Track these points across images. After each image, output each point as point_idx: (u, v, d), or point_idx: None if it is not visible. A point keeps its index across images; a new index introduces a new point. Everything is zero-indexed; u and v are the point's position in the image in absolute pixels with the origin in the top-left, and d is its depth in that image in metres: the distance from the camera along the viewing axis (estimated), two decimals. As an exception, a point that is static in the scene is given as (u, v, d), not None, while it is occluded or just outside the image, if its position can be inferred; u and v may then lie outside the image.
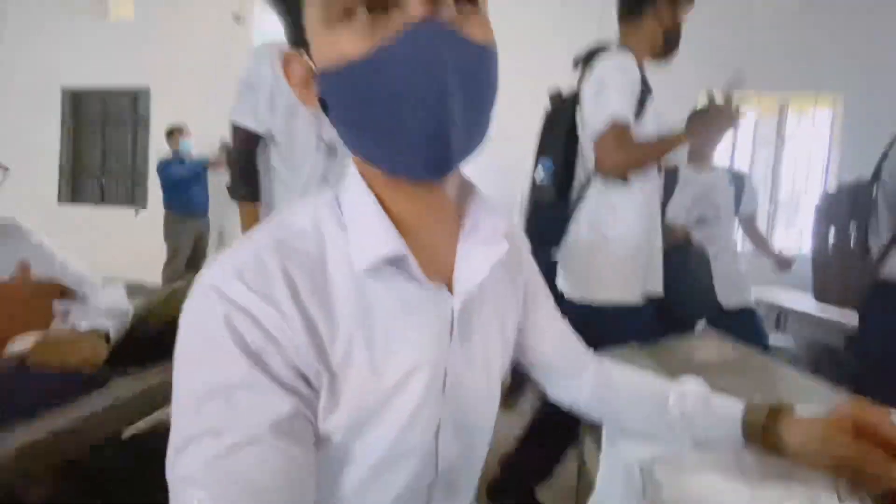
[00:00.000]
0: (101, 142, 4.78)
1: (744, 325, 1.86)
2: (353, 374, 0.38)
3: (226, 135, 3.97)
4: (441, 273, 0.43)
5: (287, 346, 0.35)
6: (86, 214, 4.67)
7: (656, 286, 1.28)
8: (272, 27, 4.19)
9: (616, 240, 1.23)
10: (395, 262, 0.39)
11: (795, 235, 3.76)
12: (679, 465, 0.53)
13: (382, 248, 0.38)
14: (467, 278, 0.43)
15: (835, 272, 1.58)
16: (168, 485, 0.31)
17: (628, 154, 1.17)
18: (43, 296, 0.60)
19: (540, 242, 1.26)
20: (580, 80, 1.25)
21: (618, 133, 1.13)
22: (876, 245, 1.42)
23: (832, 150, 3.62)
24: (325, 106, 0.37)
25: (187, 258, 3.62)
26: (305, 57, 0.38)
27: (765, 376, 0.77)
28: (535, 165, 1.35)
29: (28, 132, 4.67)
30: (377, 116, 0.34)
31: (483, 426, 0.49)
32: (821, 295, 1.67)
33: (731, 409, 0.52)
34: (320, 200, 0.42)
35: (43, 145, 4.70)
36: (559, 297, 1.34)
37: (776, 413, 0.49)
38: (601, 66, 1.17)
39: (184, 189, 3.54)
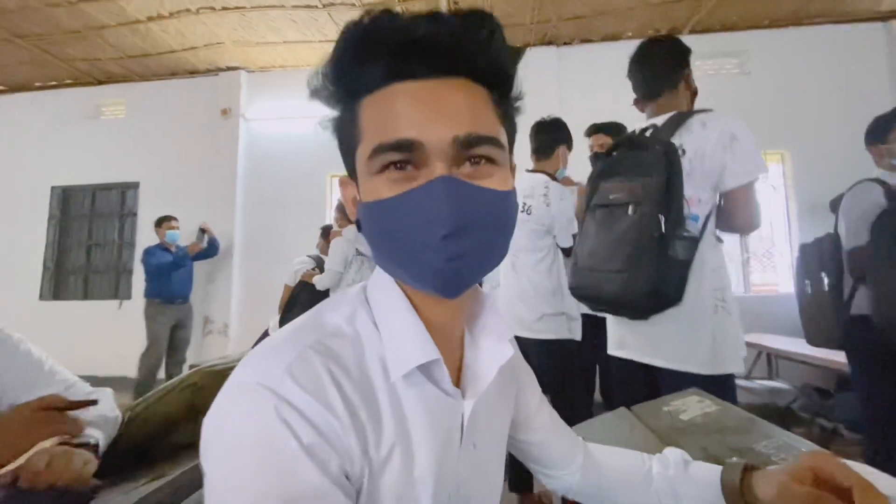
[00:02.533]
0: (87, 238, 4.84)
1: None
2: (389, 480, 0.39)
3: (205, 220, 4.08)
4: (451, 376, 0.45)
5: (339, 448, 0.36)
6: (69, 310, 4.60)
7: None
8: (257, 121, 4.53)
9: (731, 303, 1.19)
10: (426, 369, 0.43)
11: (770, 278, 3.91)
12: None
13: (419, 356, 0.41)
14: (477, 382, 0.47)
15: (817, 318, 1.71)
16: None
17: (759, 211, 1.20)
18: (45, 413, 0.61)
19: (659, 301, 1.17)
20: (670, 134, 1.22)
21: (754, 189, 1.17)
22: (847, 289, 1.57)
23: (789, 199, 3.87)
24: (359, 227, 0.44)
25: (166, 348, 3.59)
26: (355, 186, 0.44)
27: (747, 434, 0.79)
28: (657, 213, 1.15)
29: (16, 232, 4.73)
30: (398, 245, 0.40)
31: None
32: (811, 339, 1.79)
33: (709, 473, 0.54)
34: (352, 296, 0.46)
35: (31, 243, 4.73)
36: (653, 370, 1.24)
37: (750, 470, 0.52)
38: (725, 122, 1.17)
39: (166, 276, 3.59)
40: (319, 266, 3.08)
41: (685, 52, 1.29)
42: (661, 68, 1.30)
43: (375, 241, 0.42)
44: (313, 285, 2.81)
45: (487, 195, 0.40)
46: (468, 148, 0.39)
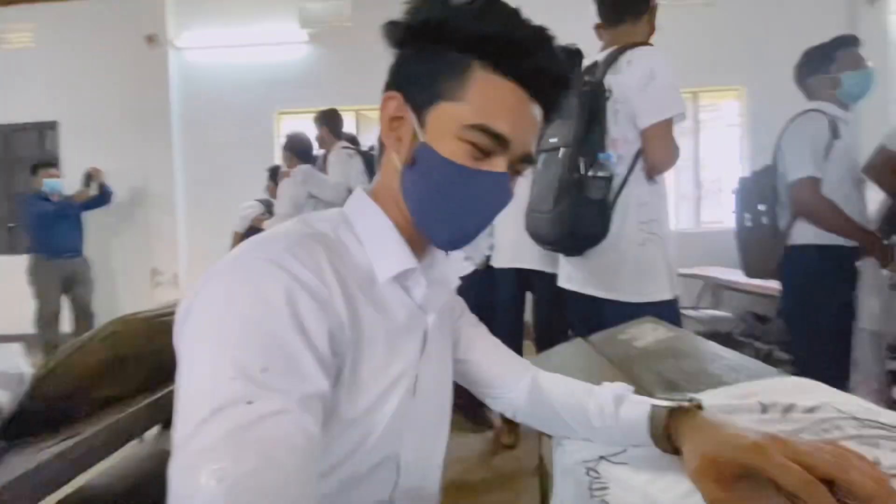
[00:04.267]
0: (3, 186, 4.34)
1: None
2: (370, 367, 0.44)
3: (97, 166, 3.66)
4: None
5: (332, 325, 0.40)
6: (-7, 265, 4.20)
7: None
8: (190, 50, 4.04)
9: (663, 235, 1.25)
10: (404, 277, 0.49)
11: (721, 214, 4.07)
12: (622, 462, 0.53)
13: (402, 263, 0.48)
14: (438, 299, 0.54)
15: (754, 249, 1.76)
16: (172, 476, 0.31)
17: (675, 150, 1.22)
18: None
19: (580, 239, 1.26)
20: (604, 73, 1.24)
21: (670, 128, 1.18)
22: (783, 221, 1.61)
23: (743, 137, 3.94)
24: (413, 162, 0.47)
25: (59, 307, 3.26)
26: (410, 113, 0.47)
27: (698, 356, 0.80)
28: (575, 155, 1.21)
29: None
30: (440, 199, 0.47)
31: (439, 434, 0.56)
32: (748, 271, 1.84)
33: (638, 414, 0.53)
34: (330, 215, 0.50)
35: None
36: (582, 297, 1.32)
37: (676, 416, 0.49)
38: (649, 59, 1.19)
39: (49, 228, 3.19)
40: (269, 210, 2.90)
41: None
42: None
43: (420, 185, 0.47)
44: (263, 231, 2.66)
45: (510, 199, 0.49)
46: (522, 162, 0.49)
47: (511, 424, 2.00)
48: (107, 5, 4.09)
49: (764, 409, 0.53)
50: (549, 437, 0.69)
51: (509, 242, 1.91)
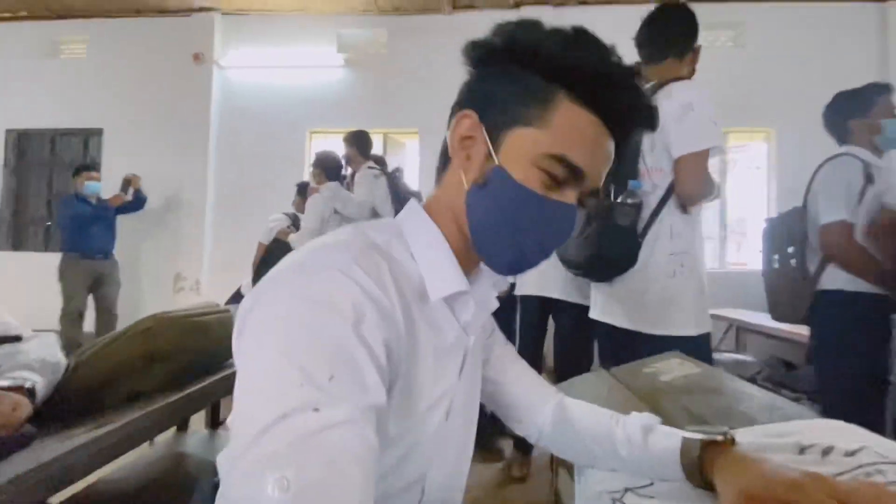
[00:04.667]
0: (47, 189, 4.54)
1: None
2: (415, 386, 0.44)
3: (135, 173, 3.75)
4: None
5: (391, 336, 0.39)
6: (28, 261, 4.37)
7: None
8: (233, 69, 4.25)
9: (694, 269, 1.23)
10: (454, 298, 0.48)
11: (745, 255, 3.98)
12: (649, 496, 0.52)
13: (455, 284, 0.47)
14: (479, 320, 0.53)
15: (782, 292, 1.70)
16: (232, 482, 0.31)
17: (710, 182, 1.23)
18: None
19: (607, 264, 1.26)
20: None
21: (705, 160, 1.19)
22: (812, 264, 1.56)
23: (770, 179, 3.89)
24: (485, 183, 0.46)
25: (84, 307, 3.33)
26: (484, 133, 0.46)
27: (727, 394, 0.78)
28: (607, 181, 1.25)
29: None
30: (506, 224, 0.46)
31: (465, 455, 0.55)
32: (775, 314, 1.79)
33: (669, 445, 0.52)
34: (385, 227, 0.50)
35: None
36: (610, 329, 1.31)
37: (710, 449, 0.49)
38: (688, 92, 1.21)
39: (84, 229, 3.29)
40: (295, 224, 2.96)
41: (697, 24, 1.29)
42: (674, 34, 1.29)
43: (489, 206, 0.46)
44: (288, 243, 2.70)
45: (574, 230, 0.49)
46: (589, 195, 0.48)
47: (523, 456, 1.95)
48: (158, 24, 4.36)
49: (801, 450, 0.51)
50: (566, 470, 0.67)
51: (535, 270, 1.90)
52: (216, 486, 0.47)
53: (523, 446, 1.96)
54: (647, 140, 1.24)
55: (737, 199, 4.05)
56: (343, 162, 2.65)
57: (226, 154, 4.27)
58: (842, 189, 1.48)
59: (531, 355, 1.94)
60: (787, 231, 1.69)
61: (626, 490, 0.55)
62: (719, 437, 0.50)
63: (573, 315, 1.86)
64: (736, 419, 0.67)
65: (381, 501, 0.44)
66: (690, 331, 1.21)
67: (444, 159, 0.51)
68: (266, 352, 0.35)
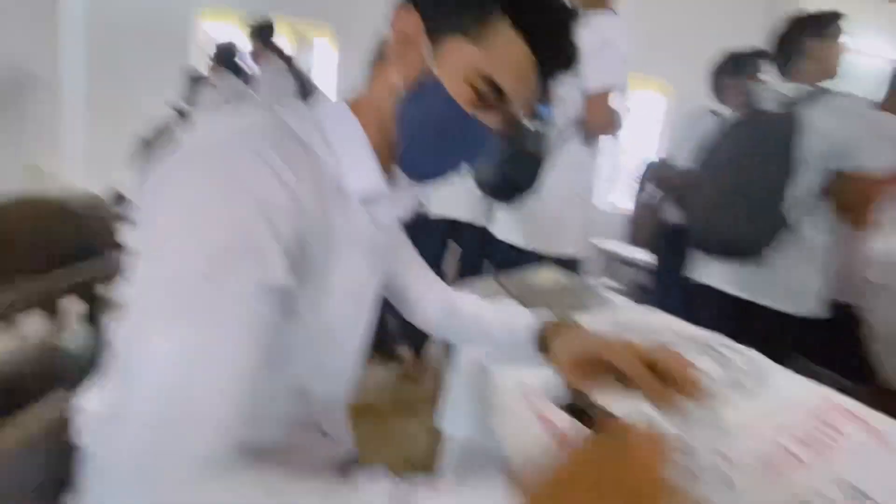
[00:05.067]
0: None
1: None
2: (331, 277, 0.45)
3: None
4: None
5: (304, 226, 0.40)
6: None
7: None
8: None
9: (585, 199, 1.35)
10: (372, 198, 0.49)
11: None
12: (512, 366, 0.65)
13: (375, 184, 0.49)
14: (393, 221, 0.56)
15: (641, 223, 2.05)
16: (118, 335, 0.34)
17: (616, 119, 1.29)
18: None
19: (513, 188, 1.32)
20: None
21: (612, 97, 1.22)
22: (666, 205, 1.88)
23: (662, 131, 4.30)
24: (417, 89, 0.46)
25: None
26: (424, 37, 0.46)
27: (584, 295, 0.94)
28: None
29: None
30: (430, 134, 0.47)
31: (364, 347, 0.59)
32: (633, 241, 2.16)
33: (526, 323, 0.64)
34: (305, 116, 0.48)
35: None
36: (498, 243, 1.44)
37: (555, 326, 0.61)
38: (605, 26, 1.23)
39: None
40: (183, 118, 2.63)
41: None
42: None
43: (419, 114, 0.47)
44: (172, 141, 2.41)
45: (486, 153, 0.50)
46: (510, 124, 0.50)
47: (418, 358, 2.14)
48: None
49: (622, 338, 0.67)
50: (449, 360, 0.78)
51: (444, 190, 1.95)
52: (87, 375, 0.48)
53: (419, 350, 2.15)
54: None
55: (633, 147, 4.43)
56: (245, 57, 2.37)
57: (98, 28, 3.50)
58: (691, 140, 1.72)
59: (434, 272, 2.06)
60: (655, 174, 1.99)
61: (493, 362, 0.67)
62: (564, 318, 0.63)
63: (477, 237, 1.97)
64: (582, 309, 0.82)
65: (283, 372, 0.47)
66: (573, 251, 1.39)
67: (378, 56, 0.51)
68: (167, 221, 0.35)
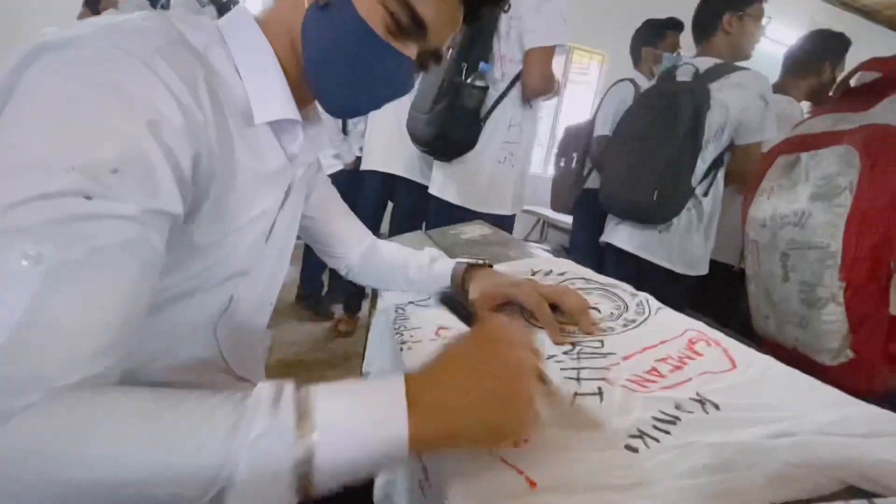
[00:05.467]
0: None
1: None
2: (229, 205, 0.42)
3: None
4: None
5: (200, 150, 0.37)
6: None
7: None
8: None
9: (520, 161, 1.36)
10: (282, 126, 0.46)
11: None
12: (425, 306, 0.68)
13: (285, 111, 0.45)
14: (309, 155, 0.53)
15: (561, 188, 2.14)
16: None
17: (552, 79, 1.26)
18: None
19: (450, 144, 1.31)
20: None
21: (551, 56, 1.20)
22: (586, 169, 1.96)
23: (596, 98, 4.44)
24: (325, 6, 0.43)
25: None
26: None
27: (507, 246, 0.98)
28: (459, 60, 1.25)
29: None
30: (343, 60, 0.44)
31: (277, 278, 0.59)
32: (553, 206, 2.25)
33: (445, 267, 0.67)
34: (206, 27, 0.43)
35: None
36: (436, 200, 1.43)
37: (472, 269, 0.65)
38: None
39: None
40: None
41: None
42: None
43: (326, 34, 0.43)
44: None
45: (409, 89, 0.49)
46: (430, 57, 0.48)
47: (350, 315, 2.14)
48: None
49: (533, 273, 0.72)
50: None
51: (381, 146, 1.89)
52: None
53: (351, 307, 2.15)
54: (504, 26, 1.27)
55: (571, 114, 4.56)
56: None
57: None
58: (611, 109, 1.80)
59: (370, 229, 2.03)
60: (575, 140, 2.05)
61: (409, 303, 0.69)
62: (481, 262, 0.66)
63: (414, 194, 1.95)
64: (504, 259, 0.86)
65: (184, 308, 0.44)
66: (505, 211, 1.42)
67: None
68: (33, 124, 0.30)
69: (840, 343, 0.87)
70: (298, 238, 0.67)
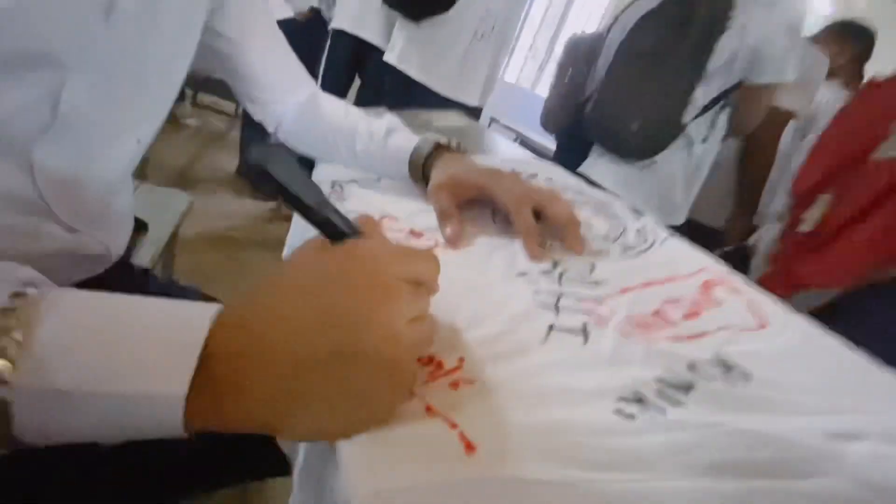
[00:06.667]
0: None
1: None
2: None
3: None
4: None
5: None
6: None
7: None
8: None
9: (501, 40, 1.24)
10: None
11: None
12: (370, 188, 0.53)
13: None
14: None
15: (555, 104, 1.89)
16: None
17: None
18: None
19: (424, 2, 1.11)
20: None
21: None
22: (590, 88, 1.72)
23: (605, 14, 4.03)
24: None
25: None
26: None
27: (479, 140, 0.83)
28: None
29: None
30: None
31: (144, 105, 0.41)
32: (544, 124, 2.00)
33: (405, 146, 0.51)
34: None
35: None
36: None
37: (438, 151, 0.49)
38: None
39: None
40: None
41: None
42: None
43: None
44: None
45: None
46: None
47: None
48: None
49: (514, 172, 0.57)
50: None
51: (357, 6, 1.58)
52: None
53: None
54: None
55: (573, 23, 4.11)
56: None
57: None
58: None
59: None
60: (583, 52, 1.78)
61: (352, 181, 0.53)
62: (451, 143, 0.50)
63: (383, 67, 1.70)
64: (479, 150, 0.72)
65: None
66: (472, 101, 1.24)
67: None
68: None
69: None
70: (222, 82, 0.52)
